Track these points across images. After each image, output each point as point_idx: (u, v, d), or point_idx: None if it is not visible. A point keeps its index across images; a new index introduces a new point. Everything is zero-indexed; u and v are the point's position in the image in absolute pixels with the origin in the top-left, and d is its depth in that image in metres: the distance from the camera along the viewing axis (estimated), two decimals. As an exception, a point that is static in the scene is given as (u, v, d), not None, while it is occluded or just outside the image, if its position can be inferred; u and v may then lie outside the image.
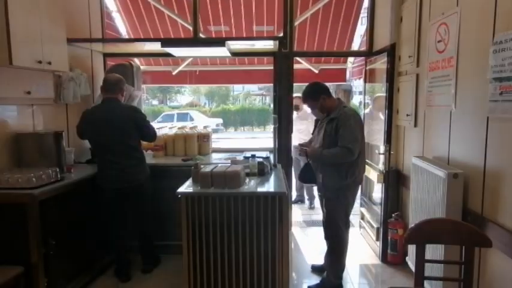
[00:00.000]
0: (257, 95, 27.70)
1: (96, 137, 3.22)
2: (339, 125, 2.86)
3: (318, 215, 5.10)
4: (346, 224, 3.07)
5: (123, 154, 3.18)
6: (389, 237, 3.57)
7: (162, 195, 3.36)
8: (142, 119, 3.27)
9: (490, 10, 2.20)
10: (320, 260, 3.40)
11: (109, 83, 3.26)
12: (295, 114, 5.53)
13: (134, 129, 3.20)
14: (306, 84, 3.21)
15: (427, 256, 2.00)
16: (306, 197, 5.75)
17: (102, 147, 3.21)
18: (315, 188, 4.07)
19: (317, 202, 5.23)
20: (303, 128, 5.24)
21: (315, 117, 3.30)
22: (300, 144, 3.27)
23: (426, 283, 2.40)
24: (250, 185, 2.73)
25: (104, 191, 3.20)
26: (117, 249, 3.38)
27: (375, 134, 4.12)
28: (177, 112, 19.41)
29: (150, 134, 3.35)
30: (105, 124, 3.13)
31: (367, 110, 4.51)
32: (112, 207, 3.27)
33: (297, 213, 5.46)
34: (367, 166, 4.12)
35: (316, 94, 3.03)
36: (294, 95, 4.42)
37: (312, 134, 3.27)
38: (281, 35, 4.22)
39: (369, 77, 4.41)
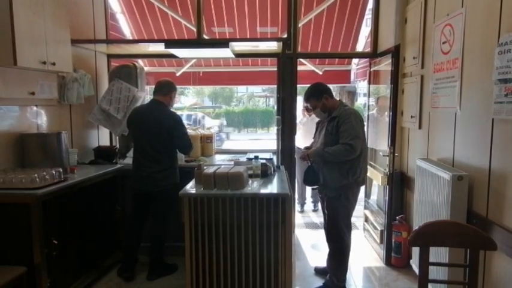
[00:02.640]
0: (261, 96, 27.71)
1: (134, 135, 3.33)
2: (340, 123, 2.87)
3: (321, 217, 5.07)
4: (348, 226, 3.05)
5: (151, 157, 3.21)
6: (393, 240, 3.55)
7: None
8: (176, 129, 3.20)
9: (495, 11, 2.18)
10: (323, 263, 3.38)
11: (157, 85, 3.34)
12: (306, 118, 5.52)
13: (167, 135, 3.18)
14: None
15: (431, 259, 1.98)
16: (311, 200, 5.73)
17: (136, 146, 3.31)
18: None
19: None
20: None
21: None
22: (304, 148, 3.27)
23: (430, 286, 2.38)
24: (253, 186, 2.72)
25: (130, 189, 3.40)
26: (126, 245, 3.42)
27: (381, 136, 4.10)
28: (181, 113, 19.40)
29: (183, 146, 3.29)
30: (141, 124, 3.23)
31: (372, 111, 4.49)
32: (132, 206, 3.44)
33: (300, 215, 5.44)
34: (371, 168, 4.11)
35: (319, 93, 3.05)
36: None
37: (314, 137, 3.26)
38: (285, 36, 4.22)
39: (373, 78, 4.40)
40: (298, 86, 4.22)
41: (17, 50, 2.65)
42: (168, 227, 3.38)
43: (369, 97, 4.65)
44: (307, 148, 3.24)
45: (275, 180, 2.95)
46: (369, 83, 4.50)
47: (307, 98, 3.14)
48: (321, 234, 3.32)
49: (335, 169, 2.91)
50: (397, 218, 3.54)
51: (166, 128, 3.17)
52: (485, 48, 2.29)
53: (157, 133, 3.18)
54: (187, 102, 27.56)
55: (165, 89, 3.32)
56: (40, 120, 3.31)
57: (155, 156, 3.21)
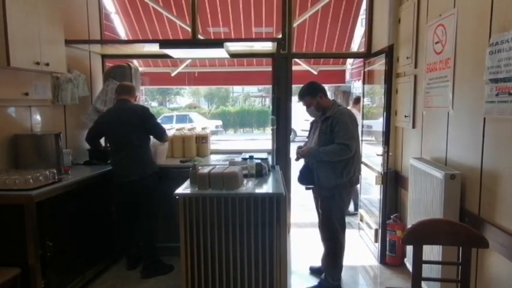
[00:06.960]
0: (256, 96, 27.70)
1: (110, 134, 3.40)
2: (334, 123, 2.88)
3: (316, 216, 5.07)
4: (342, 225, 3.06)
5: (126, 149, 3.28)
6: (388, 239, 3.57)
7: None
8: (148, 116, 3.36)
9: (486, 11, 2.21)
10: (318, 262, 3.39)
11: (123, 87, 3.47)
12: None
13: (141, 125, 3.30)
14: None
15: (425, 257, 2.00)
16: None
17: (113, 143, 3.38)
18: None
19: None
20: None
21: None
22: (298, 148, 3.28)
23: (424, 284, 2.40)
24: (248, 186, 2.73)
25: (114, 185, 3.42)
26: (124, 241, 3.57)
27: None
28: (176, 114, 19.37)
29: (159, 131, 3.43)
30: (116, 121, 3.29)
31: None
32: (119, 201, 3.49)
33: (296, 214, 5.45)
34: (365, 167, 4.14)
35: (314, 91, 3.07)
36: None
37: (308, 137, 3.27)
38: (280, 36, 4.23)
39: (368, 78, 4.42)
40: (293, 86, 4.24)
41: (10, 50, 2.64)
42: (157, 224, 3.45)
43: (363, 97, 4.67)
44: (300, 148, 3.24)
45: (270, 180, 2.96)
46: (364, 82, 4.53)
47: (302, 96, 3.14)
48: (316, 233, 3.33)
49: (329, 169, 2.92)
50: (392, 216, 3.56)
51: (139, 116, 3.30)
52: (477, 48, 2.31)
53: (133, 123, 3.27)
54: (183, 102, 27.53)
55: (132, 90, 3.49)
56: (34, 120, 3.30)
57: (131, 147, 3.28)
